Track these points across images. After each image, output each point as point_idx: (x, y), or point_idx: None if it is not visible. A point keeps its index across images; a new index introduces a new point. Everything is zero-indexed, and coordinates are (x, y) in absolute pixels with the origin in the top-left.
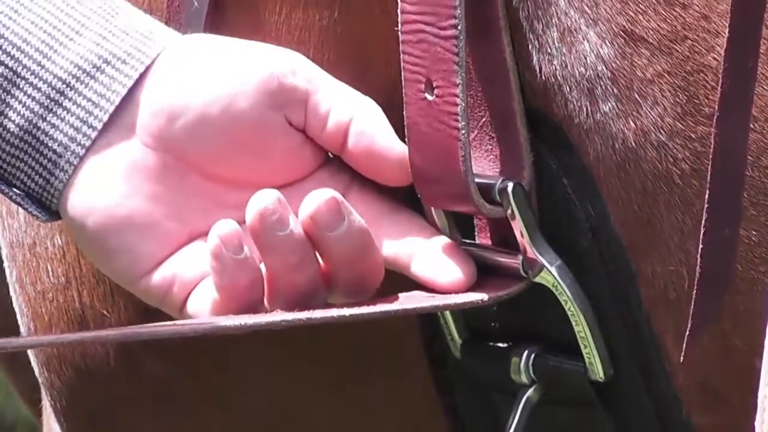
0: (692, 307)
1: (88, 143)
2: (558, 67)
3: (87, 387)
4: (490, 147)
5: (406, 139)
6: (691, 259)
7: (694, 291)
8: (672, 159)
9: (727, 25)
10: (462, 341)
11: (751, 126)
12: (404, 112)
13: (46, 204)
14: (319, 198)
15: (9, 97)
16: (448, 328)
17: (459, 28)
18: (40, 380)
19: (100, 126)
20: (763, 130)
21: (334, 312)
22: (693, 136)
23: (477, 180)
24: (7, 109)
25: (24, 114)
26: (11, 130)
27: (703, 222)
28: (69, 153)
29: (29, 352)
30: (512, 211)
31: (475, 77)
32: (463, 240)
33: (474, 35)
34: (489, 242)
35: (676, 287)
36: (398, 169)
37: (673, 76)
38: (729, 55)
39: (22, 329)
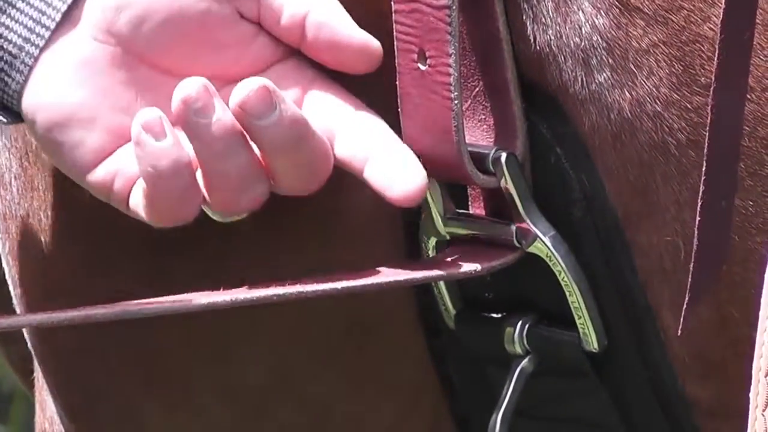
0: (689, 278)
1: (41, 43)
2: (553, 37)
3: (79, 359)
4: (483, 117)
5: (399, 109)
6: (687, 229)
7: (692, 263)
8: (668, 129)
9: None
10: (456, 311)
11: (748, 96)
12: (397, 82)
13: (8, 106)
14: (249, 86)
15: None
16: (443, 298)
17: None
18: (32, 352)
19: (53, 25)
20: (760, 101)
21: (326, 285)
22: (689, 106)
23: (470, 150)
24: None
25: None
26: None
27: (700, 194)
28: (23, 53)
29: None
30: (505, 181)
31: (468, 47)
32: (457, 210)
33: (467, 5)
34: (483, 212)
35: (672, 258)
36: (361, 56)
37: (669, 46)
38: (725, 25)
39: (15, 301)
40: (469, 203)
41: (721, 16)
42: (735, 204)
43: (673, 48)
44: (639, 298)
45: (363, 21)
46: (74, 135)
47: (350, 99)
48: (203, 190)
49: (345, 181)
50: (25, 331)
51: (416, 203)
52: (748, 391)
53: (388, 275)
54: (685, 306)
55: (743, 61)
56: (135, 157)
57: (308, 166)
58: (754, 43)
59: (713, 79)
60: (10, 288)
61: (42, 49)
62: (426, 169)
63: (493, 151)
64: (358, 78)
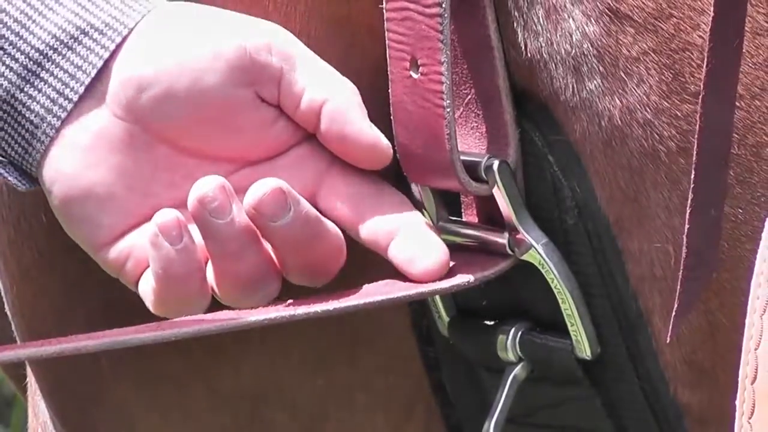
0: (678, 286)
1: (63, 115)
2: (543, 45)
3: (70, 363)
4: (475, 124)
5: (392, 117)
6: (678, 236)
7: (681, 270)
8: (658, 137)
9: (712, 2)
10: (449, 319)
11: (737, 104)
12: (389, 90)
13: (27, 172)
14: (262, 188)
15: None
16: (436, 306)
17: (443, 5)
18: None
19: (75, 98)
20: (749, 108)
21: (317, 308)
22: (679, 114)
23: (462, 157)
24: None
25: (3, 85)
26: None
27: (689, 202)
28: (45, 124)
29: (14, 327)
30: (498, 188)
31: (460, 54)
32: (450, 217)
33: (459, 13)
34: (476, 219)
35: (663, 264)
36: (369, 153)
37: (659, 54)
38: (714, 33)
39: (7, 307)
40: (462, 210)
41: (710, 24)
42: (724, 211)
43: (663, 56)
44: (631, 305)
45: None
46: (89, 212)
47: (369, 178)
48: (214, 285)
49: None
50: (17, 335)
51: (439, 279)
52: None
53: (382, 293)
54: (674, 313)
55: (732, 68)
56: (149, 254)
57: (320, 263)
58: (743, 50)
59: (702, 86)
60: (2, 293)
61: (64, 121)
62: (418, 175)
63: (485, 158)
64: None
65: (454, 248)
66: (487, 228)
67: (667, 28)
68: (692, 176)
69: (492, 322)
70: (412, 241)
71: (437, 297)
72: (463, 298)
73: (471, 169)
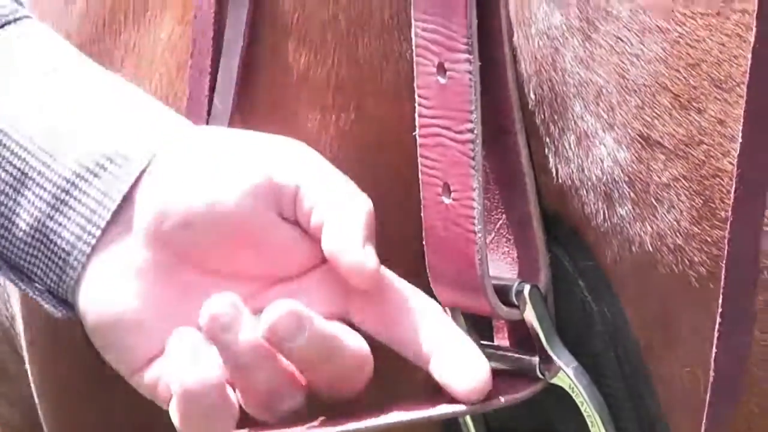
0: (705, 411)
1: (93, 242)
2: (575, 171)
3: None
4: (506, 249)
5: (424, 241)
6: (707, 360)
7: (707, 395)
8: (688, 262)
9: (740, 129)
10: None
11: (766, 229)
12: (422, 214)
13: (63, 298)
14: (276, 310)
15: (19, 196)
16: (467, 427)
17: (475, 132)
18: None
19: (103, 224)
20: None
21: (358, 425)
22: (709, 239)
23: (494, 282)
24: (19, 208)
25: (34, 213)
26: (23, 228)
27: (716, 327)
28: (76, 251)
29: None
30: (529, 313)
31: (491, 180)
32: (481, 341)
33: (490, 139)
34: (507, 343)
35: (692, 388)
36: (353, 273)
37: (689, 180)
38: (742, 160)
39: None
40: (494, 334)
41: (738, 150)
42: (754, 336)
43: (694, 182)
44: (660, 429)
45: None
46: (120, 338)
47: (398, 292)
48: (239, 401)
49: None
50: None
51: (483, 396)
52: None
53: (417, 410)
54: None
55: (761, 195)
56: (169, 371)
57: (342, 378)
58: None
59: (730, 212)
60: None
61: (93, 248)
62: (450, 298)
63: (516, 283)
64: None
65: None
66: (518, 351)
67: (698, 155)
68: (719, 301)
69: None
70: (455, 358)
71: (469, 418)
72: (494, 419)
73: (502, 293)
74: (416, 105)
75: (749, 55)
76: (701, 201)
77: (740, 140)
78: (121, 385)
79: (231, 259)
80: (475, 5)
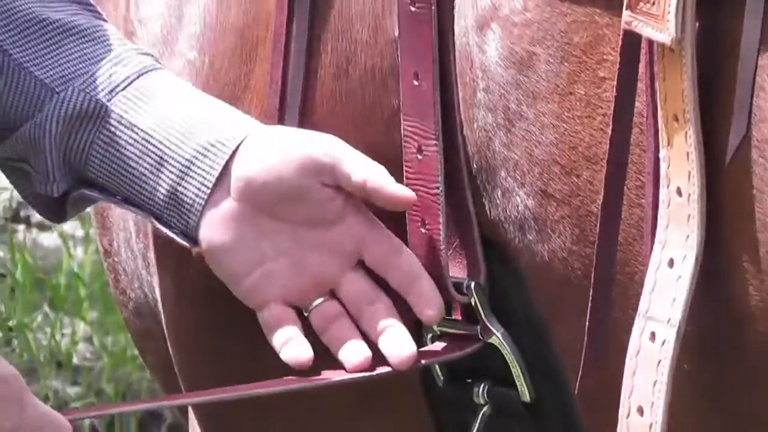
0: (582, 356)
1: (206, 197)
2: (501, 212)
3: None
4: (460, 260)
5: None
6: (584, 328)
7: (583, 351)
8: (571, 268)
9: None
10: (443, 377)
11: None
12: (408, 239)
13: (192, 236)
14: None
15: (159, 173)
16: (435, 370)
17: (440, 189)
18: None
19: (211, 186)
20: None
21: (350, 376)
22: (583, 254)
23: (452, 280)
24: (160, 180)
25: (169, 182)
26: (163, 193)
27: (589, 308)
28: (196, 204)
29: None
30: (474, 299)
31: (450, 217)
32: (445, 317)
33: (449, 192)
34: (460, 317)
35: (578, 349)
36: (401, 201)
37: (571, 218)
38: (604, 206)
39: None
40: (452, 312)
41: (602, 200)
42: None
43: (573, 219)
44: (559, 371)
45: None
46: (223, 260)
47: (397, 244)
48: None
49: None
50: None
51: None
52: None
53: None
54: (580, 375)
55: (614, 229)
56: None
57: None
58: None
59: (597, 237)
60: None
61: (206, 201)
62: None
63: (466, 280)
64: None
65: (447, 336)
66: (467, 322)
67: (576, 203)
68: (591, 292)
69: (470, 380)
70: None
71: (437, 364)
72: (452, 365)
73: (458, 287)
74: (404, 171)
75: (607, 142)
76: (578, 231)
77: (602, 195)
78: (231, 339)
79: (290, 211)
80: (440, 111)
